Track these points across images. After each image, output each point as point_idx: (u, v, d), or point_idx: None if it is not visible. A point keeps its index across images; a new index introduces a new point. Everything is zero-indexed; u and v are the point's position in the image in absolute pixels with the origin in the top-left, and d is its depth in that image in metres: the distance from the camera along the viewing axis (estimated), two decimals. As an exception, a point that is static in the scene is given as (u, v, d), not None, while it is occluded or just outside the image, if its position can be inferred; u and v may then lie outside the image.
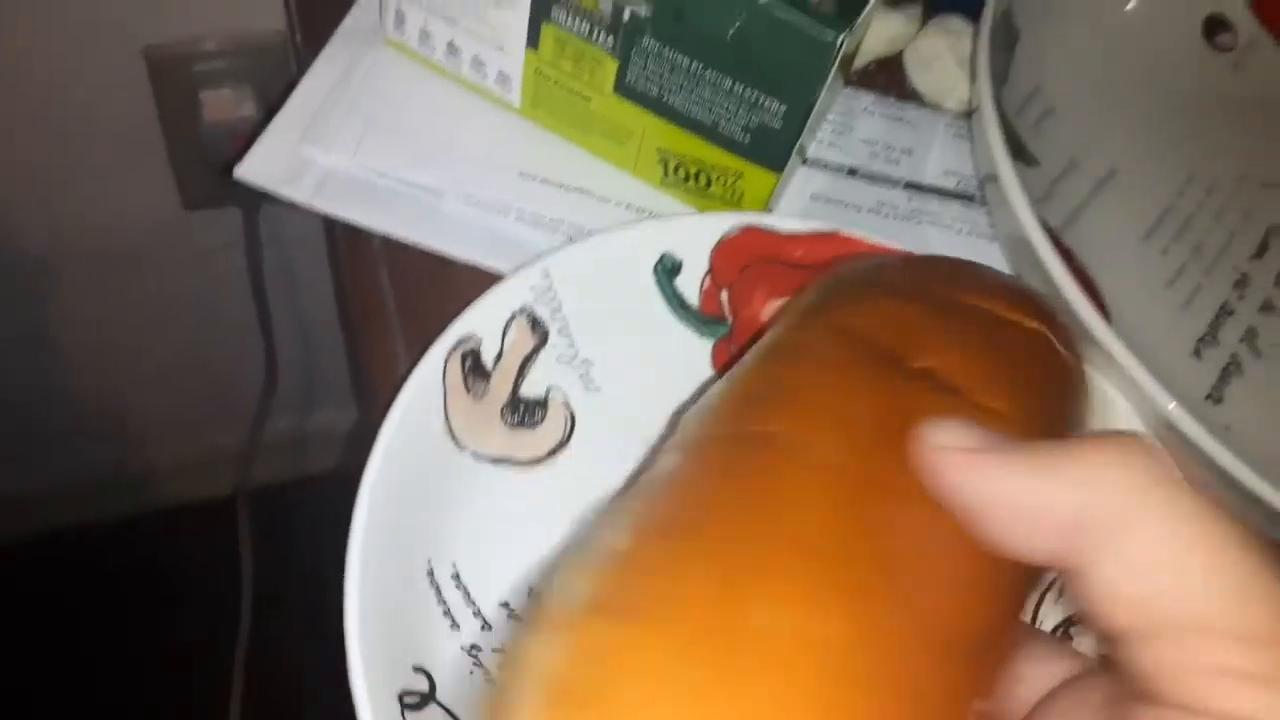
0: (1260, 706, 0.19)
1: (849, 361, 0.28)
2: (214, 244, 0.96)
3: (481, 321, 0.40)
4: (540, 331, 0.42)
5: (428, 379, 0.38)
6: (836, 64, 0.42)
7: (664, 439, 0.33)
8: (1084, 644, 0.35)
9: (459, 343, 0.39)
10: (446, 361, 0.38)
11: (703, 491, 0.25)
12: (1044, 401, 0.29)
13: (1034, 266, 0.43)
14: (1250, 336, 0.53)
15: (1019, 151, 0.52)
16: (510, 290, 0.40)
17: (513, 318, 0.41)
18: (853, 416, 0.26)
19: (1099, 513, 0.22)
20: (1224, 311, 0.53)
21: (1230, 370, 0.51)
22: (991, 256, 0.52)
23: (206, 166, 0.85)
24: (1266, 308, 0.54)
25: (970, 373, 0.28)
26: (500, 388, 0.40)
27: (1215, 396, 0.50)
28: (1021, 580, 0.26)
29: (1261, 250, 0.56)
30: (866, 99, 0.57)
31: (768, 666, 0.21)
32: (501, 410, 0.41)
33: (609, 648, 0.21)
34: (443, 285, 0.47)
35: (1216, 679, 0.20)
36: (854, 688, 0.21)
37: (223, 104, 0.82)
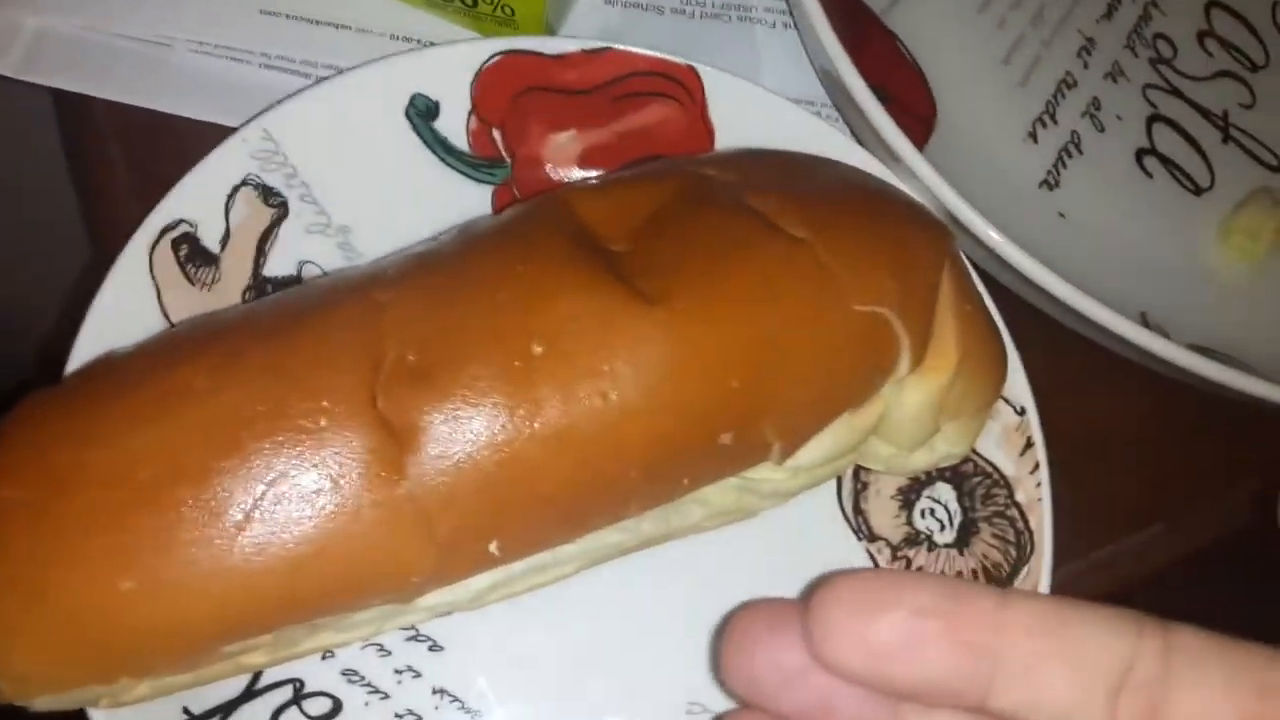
0: None
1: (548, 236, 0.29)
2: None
3: (192, 203, 0.35)
4: (276, 202, 0.37)
5: (130, 277, 0.33)
6: None
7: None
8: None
9: (165, 230, 0.34)
10: (152, 253, 0.34)
11: None
12: (731, 304, 0.29)
13: (837, 87, 0.38)
14: (1093, 108, 0.49)
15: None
16: (223, 161, 0.35)
17: (235, 191, 0.36)
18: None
19: None
20: (1064, 85, 0.49)
21: (1068, 150, 0.48)
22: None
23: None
24: (1113, 74, 0.50)
25: (652, 261, 0.28)
26: (236, 271, 0.36)
27: (1050, 182, 0.47)
28: None
29: (1111, 9, 0.51)
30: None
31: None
32: (244, 294, 0.36)
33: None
34: (184, 153, 0.41)
35: None
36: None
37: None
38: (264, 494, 0.25)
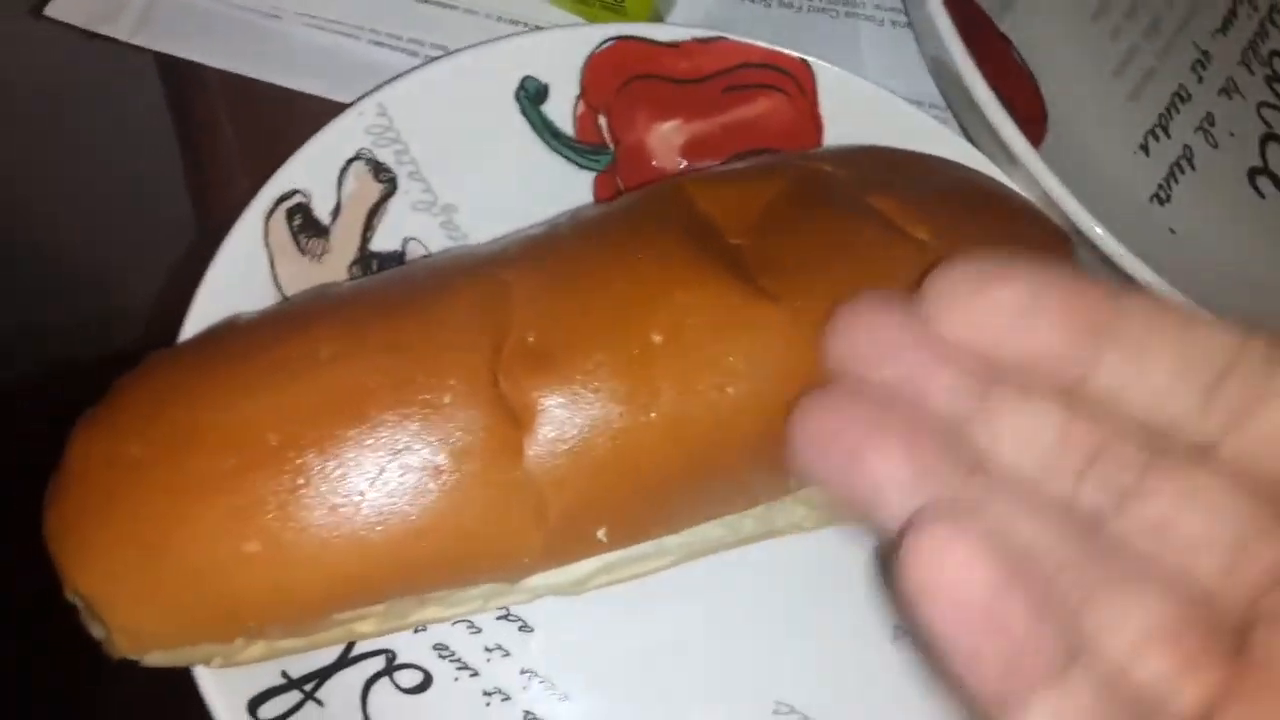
0: None
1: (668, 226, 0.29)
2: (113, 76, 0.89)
3: (308, 172, 0.35)
4: (386, 178, 0.37)
5: (246, 245, 0.34)
6: None
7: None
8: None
9: (280, 199, 0.34)
10: (267, 222, 0.34)
11: None
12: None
13: (953, 82, 0.38)
14: (1207, 124, 0.47)
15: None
16: (338, 135, 0.36)
17: (348, 165, 0.36)
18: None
19: None
20: (1178, 98, 0.47)
21: (1180, 165, 0.46)
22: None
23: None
24: (1228, 90, 0.49)
25: (771, 258, 0.28)
26: (345, 245, 0.36)
27: (1161, 196, 0.46)
28: None
29: (1227, 23, 0.50)
30: None
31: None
32: (350, 268, 0.37)
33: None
34: (294, 124, 0.42)
35: None
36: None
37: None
38: (387, 465, 0.25)
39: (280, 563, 0.25)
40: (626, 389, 0.27)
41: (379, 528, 0.25)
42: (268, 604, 0.25)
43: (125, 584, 0.25)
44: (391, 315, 0.27)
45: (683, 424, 0.27)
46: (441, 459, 0.25)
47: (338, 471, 0.25)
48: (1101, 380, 0.18)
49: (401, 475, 0.25)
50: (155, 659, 0.26)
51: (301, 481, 0.25)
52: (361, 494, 0.25)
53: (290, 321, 0.27)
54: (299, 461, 0.25)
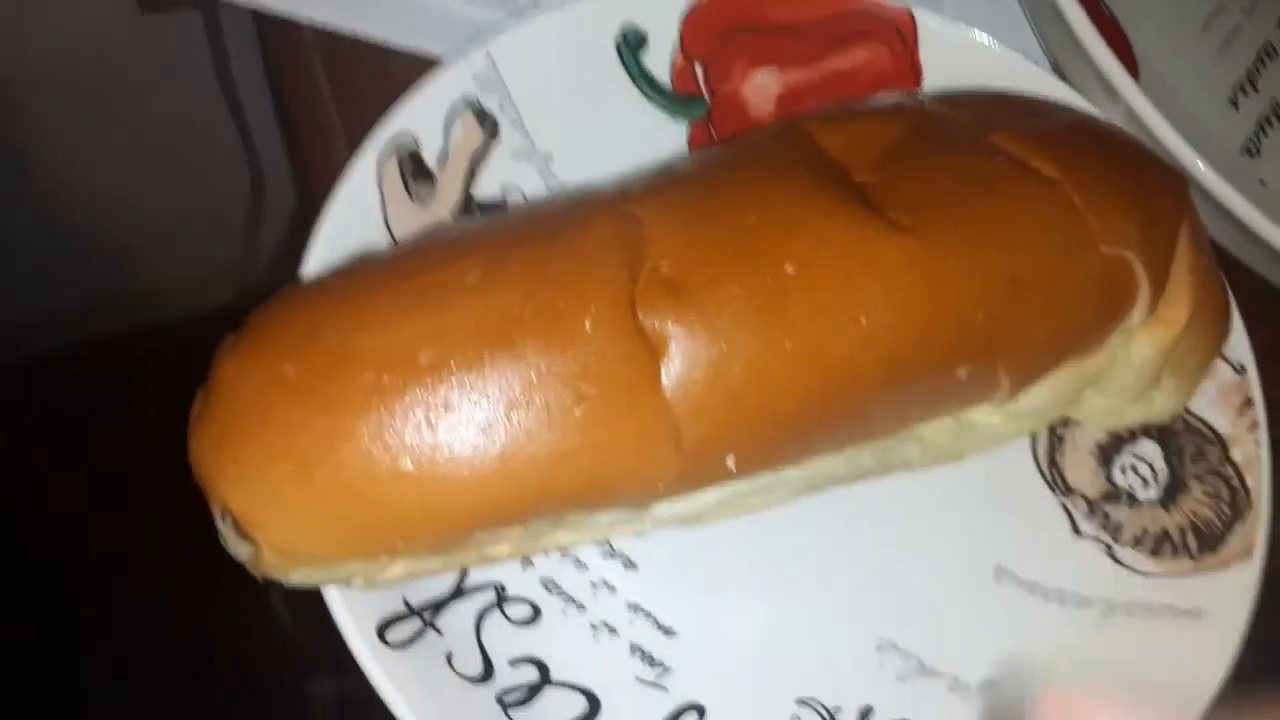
0: None
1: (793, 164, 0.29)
2: (180, 50, 0.89)
3: (418, 118, 0.35)
4: (489, 125, 0.37)
5: (361, 186, 0.34)
6: None
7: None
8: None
9: (394, 143, 0.35)
10: (381, 166, 0.34)
11: None
12: (983, 238, 0.29)
13: (1051, 15, 0.38)
14: (1295, 80, 0.47)
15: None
16: (449, 81, 0.36)
17: (455, 112, 0.36)
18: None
19: None
20: (1265, 53, 0.47)
21: (1269, 119, 0.46)
22: (1009, 3, 0.45)
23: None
24: (1315, 46, 0.48)
25: (899, 193, 0.28)
26: (449, 190, 0.37)
27: (1251, 149, 0.45)
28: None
29: (1314, -20, 0.49)
30: None
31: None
32: (453, 215, 0.37)
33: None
34: (387, 78, 0.42)
35: None
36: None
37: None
38: (532, 388, 0.25)
39: (431, 480, 0.25)
40: (760, 319, 0.27)
41: (525, 449, 0.25)
42: (417, 521, 0.26)
43: (280, 500, 0.25)
44: (531, 245, 0.27)
45: (816, 354, 0.27)
46: (584, 384, 0.26)
47: (486, 393, 0.25)
48: None
49: (545, 399, 0.25)
50: (301, 577, 0.27)
51: (453, 401, 0.25)
52: (508, 416, 0.25)
53: (432, 251, 0.28)
54: (450, 382, 0.25)
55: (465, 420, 0.25)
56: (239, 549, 0.27)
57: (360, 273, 0.28)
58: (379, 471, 0.25)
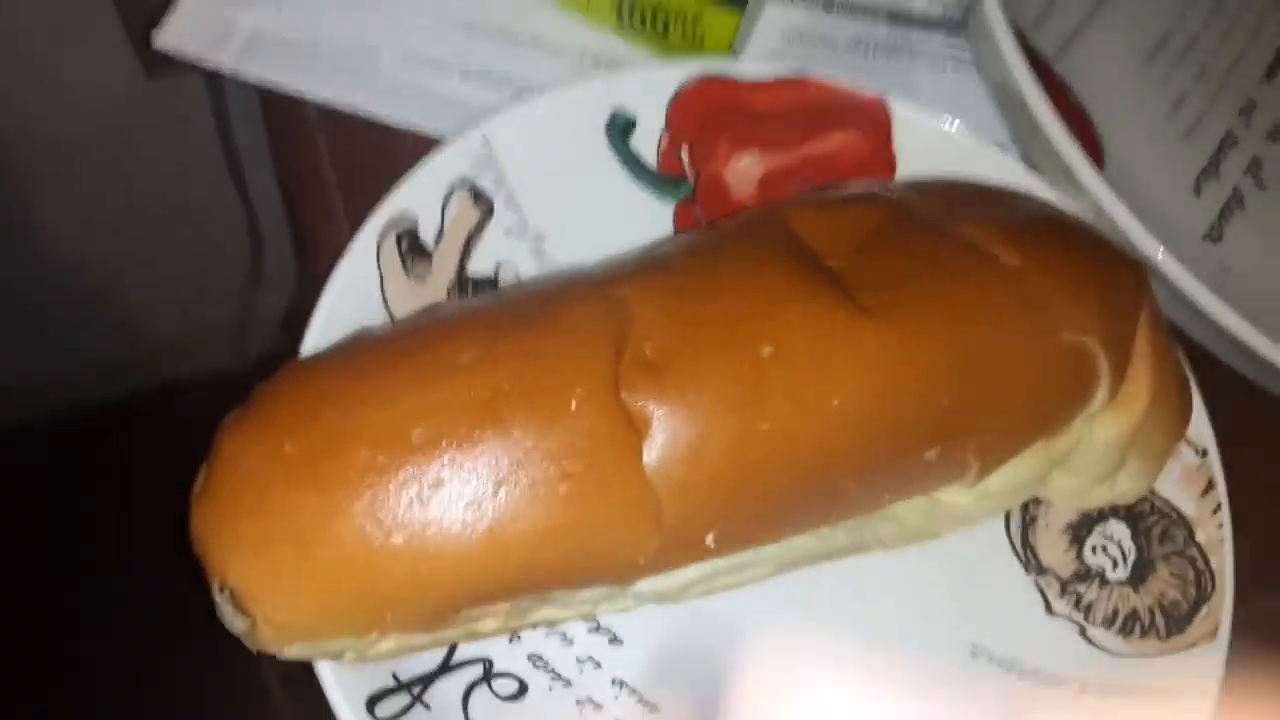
0: None
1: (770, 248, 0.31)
2: (184, 114, 0.91)
3: (417, 197, 0.37)
4: (484, 204, 0.39)
5: (360, 264, 0.35)
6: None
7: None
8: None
9: (393, 222, 0.36)
10: (380, 243, 0.36)
11: None
12: (950, 324, 0.30)
13: (1018, 106, 0.40)
14: (1255, 168, 0.49)
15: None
16: (446, 161, 0.38)
17: (451, 191, 0.38)
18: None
19: None
20: (1228, 142, 0.49)
21: (1231, 206, 0.48)
22: (979, 89, 0.48)
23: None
24: (1274, 134, 0.50)
25: (870, 278, 0.30)
26: (444, 268, 0.38)
27: (1214, 235, 0.47)
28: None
29: (1271, 72, 0.52)
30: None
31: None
32: (448, 291, 0.38)
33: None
34: (387, 156, 0.44)
35: None
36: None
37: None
38: (520, 465, 0.26)
39: (421, 556, 0.26)
40: (739, 399, 0.28)
41: (511, 525, 0.26)
42: (407, 595, 0.27)
43: (278, 577, 0.26)
44: (523, 325, 0.28)
45: (792, 434, 0.28)
46: (569, 461, 0.27)
47: (475, 471, 0.26)
48: None
49: (532, 476, 0.27)
50: (294, 651, 0.28)
51: (443, 478, 0.26)
52: (496, 492, 0.26)
53: (427, 330, 0.29)
54: (441, 460, 0.26)
55: (455, 496, 0.26)
56: (235, 622, 0.27)
57: (360, 350, 0.29)
58: (372, 547, 0.26)
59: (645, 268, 0.31)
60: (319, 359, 0.30)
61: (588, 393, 0.27)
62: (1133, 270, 0.34)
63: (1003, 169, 0.40)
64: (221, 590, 0.27)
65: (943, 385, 0.30)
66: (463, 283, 0.39)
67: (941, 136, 0.41)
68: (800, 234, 0.32)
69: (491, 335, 0.28)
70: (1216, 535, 0.36)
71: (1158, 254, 0.37)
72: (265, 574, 0.26)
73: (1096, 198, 0.38)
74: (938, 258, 0.31)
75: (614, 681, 0.35)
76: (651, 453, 0.28)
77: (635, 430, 0.28)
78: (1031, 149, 0.43)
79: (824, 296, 0.30)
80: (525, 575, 0.27)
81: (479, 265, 0.39)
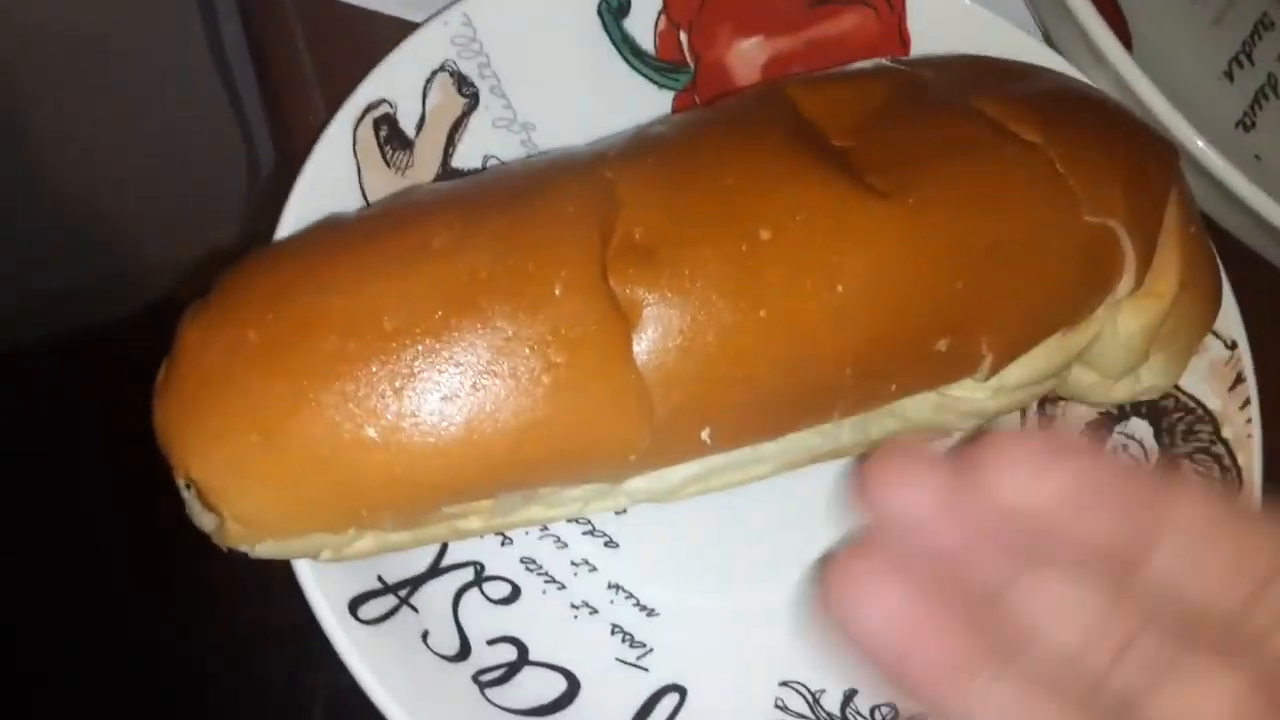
0: None
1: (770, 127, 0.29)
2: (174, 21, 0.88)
3: (395, 82, 0.35)
4: (469, 92, 0.37)
5: (336, 152, 0.33)
6: None
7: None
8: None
9: (369, 108, 0.34)
10: (356, 131, 0.34)
11: None
12: (964, 204, 0.28)
13: None
14: (1292, 52, 0.46)
15: None
16: (425, 43, 0.35)
17: (432, 76, 0.36)
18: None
19: None
20: (1262, 25, 0.46)
21: (1265, 93, 0.45)
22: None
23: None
24: (1313, 18, 0.47)
25: (878, 157, 0.28)
26: (427, 159, 0.36)
27: (1247, 123, 0.45)
28: None
29: (1313, -50, 0.48)
30: None
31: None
32: (433, 184, 0.36)
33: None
34: (367, 43, 0.41)
35: None
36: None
37: None
38: (500, 354, 0.25)
39: (396, 449, 0.24)
40: (735, 286, 0.26)
41: (493, 418, 0.25)
42: (382, 491, 0.25)
43: (243, 469, 0.25)
44: (501, 208, 0.26)
45: (792, 322, 0.27)
46: (553, 350, 0.25)
47: (452, 359, 0.25)
48: (1154, 572, 0.18)
49: (513, 365, 0.25)
50: (266, 549, 0.26)
51: (418, 368, 0.24)
52: (474, 384, 0.25)
53: (399, 214, 0.27)
54: (413, 349, 0.25)
55: (430, 387, 0.25)
56: (203, 519, 0.26)
57: (326, 236, 0.27)
58: (342, 439, 0.24)
59: (636, 148, 0.29)
60: (284, 244, 0.28)
61: (573, 278, 0.25)
62: (1162, 152, 0.32)
63: (1025, 49, 0.37)
64: (188, 486, 0.25)
65: (955, 269, 0.28)
66: (449, 176, 0.37)
67: (959, 13, 0.38)
68: (805, 111, 0.30)
69: (468, 219, 0.26)
70: (1244, 431, 0.34)
71: (1194, 140, 0.35)
72: (229, 467, 0.25)
73: (1126, 79, 0.35)
74: (952, 135, 0.29)
75: (610, 585, 0.33)
76: (642, 342, 0.26)
77: (624, 318, 0.26)
78: (1056, 29, 0.40)
79: (827, 176, 0.27)
80: (507, 471, 0.26)
81: (465, 159, 0.37)
